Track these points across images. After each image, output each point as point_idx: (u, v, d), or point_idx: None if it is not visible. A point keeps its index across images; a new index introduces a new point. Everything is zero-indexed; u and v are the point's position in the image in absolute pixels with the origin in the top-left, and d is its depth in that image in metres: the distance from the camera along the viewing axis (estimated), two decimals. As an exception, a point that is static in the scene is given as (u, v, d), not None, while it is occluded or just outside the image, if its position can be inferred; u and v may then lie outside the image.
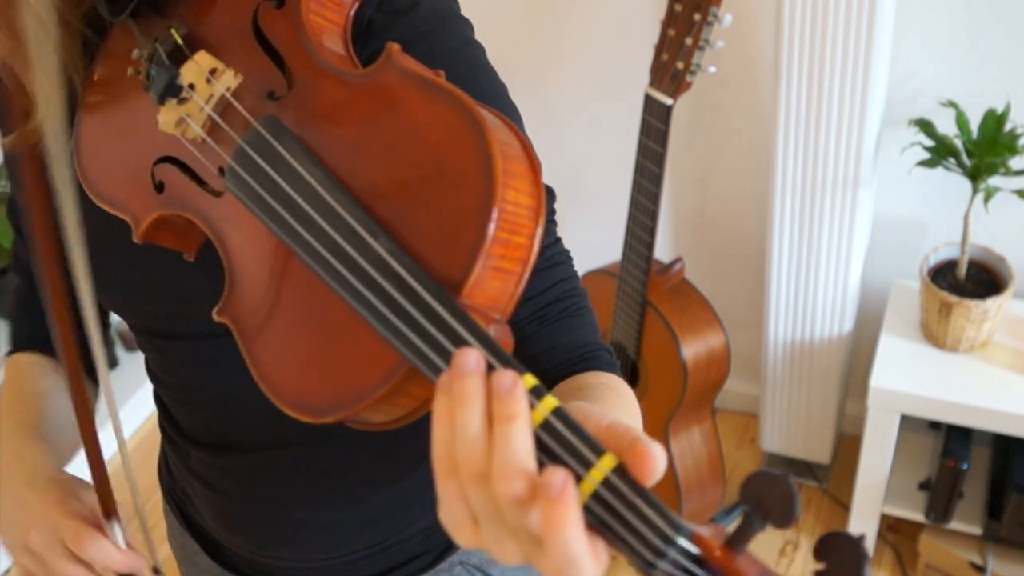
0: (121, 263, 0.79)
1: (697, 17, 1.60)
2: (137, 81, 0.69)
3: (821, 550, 0.43)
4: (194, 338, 0.80)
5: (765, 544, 2.17)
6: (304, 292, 0.57)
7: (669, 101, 1.68)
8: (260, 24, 0.65)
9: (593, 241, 2.26)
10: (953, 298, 1.78)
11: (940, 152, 1.73)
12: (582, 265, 2.02)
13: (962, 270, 1.86)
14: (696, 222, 2.28)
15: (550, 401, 0.47)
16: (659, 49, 1.68)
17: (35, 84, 0.75)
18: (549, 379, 0.71)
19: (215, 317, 0.61)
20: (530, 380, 0.47)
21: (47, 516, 0.79)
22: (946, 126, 1.77)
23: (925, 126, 1.75)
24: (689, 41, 1.62)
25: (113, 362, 2.69)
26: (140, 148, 0.68)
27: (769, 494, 0.43)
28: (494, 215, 0.50)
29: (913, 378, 1.85)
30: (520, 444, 0.45)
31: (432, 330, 0.49)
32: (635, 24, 2.02)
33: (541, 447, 0.46)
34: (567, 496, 0.43)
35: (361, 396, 0.52)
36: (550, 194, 0.74)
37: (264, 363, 0.58)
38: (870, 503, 2.01)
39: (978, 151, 1.69)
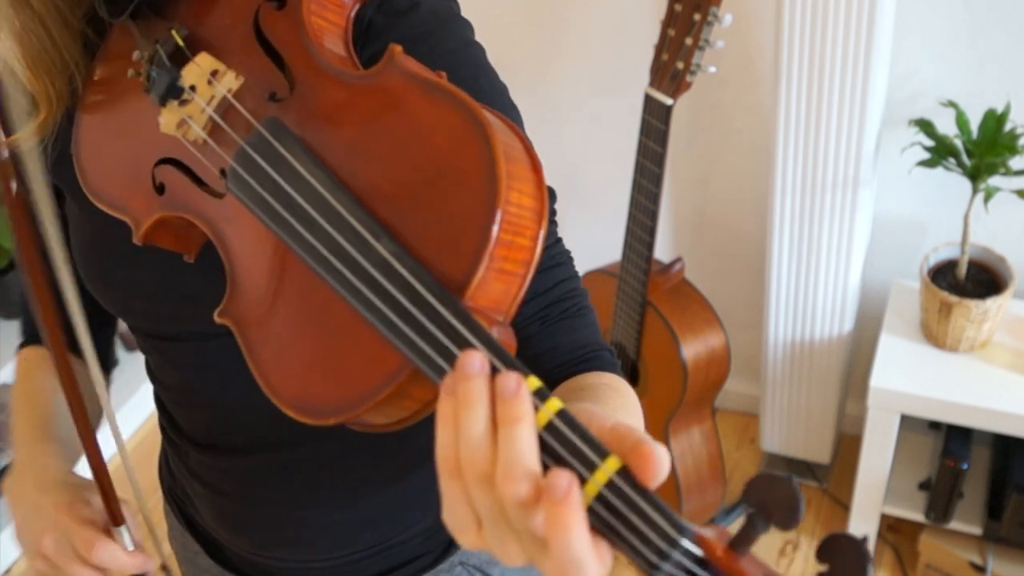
0: (121, 264, 0.79)
1: (697, 17, 1.60)
2: (137, 82, 0.69)
3: (823, 552, 0.43)
4: (194, 339, 0.80)
5: (765, 544, 2.17)
6: (306, 294, 0.57)
7: (669, 101, 1.68)
8: (261, 25, 0.65)
9: (593, 241, 2.26)
10: (953, 298, 1.78)
11: (940, 152, 1.73)
12: (582, 265, 2.02)
13: (962, 270, 1.86)
14: (696, 222, 2.28)
15: (554, 403, 0.46)
16: (659, 49, 1.68)
17: (36, 84, 0.75)
18: (551, 379, 0.71)
19: (216, 319, 0.61)
20: (534, 382, 0.47)
21: (58, 522, 0.80)
22: (946, 126, 1.77)
23: (925, 126, 1.75)
24: (689, 41, 1.62)
25: (113, 362, 2.68)
26: (140, 149, 0.68)
27: (773, 496, 0.43)
28: (498, 217, 0.50)
29: (913, 378, 1.85)
30: (524, 446, 0.45)
31: (435, 332, 0.49)
32: (635, 23, 2.02)
33: (545, 449, 0.46)
34: (571, 498, 0.43)
35: (363, 398, 0.52)
36: (551, 194, 0.74)
37: (266, 365, 0.58)
38: (870, 503, 2.01)
39: (978, 151, 1.69)
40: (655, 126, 1.71)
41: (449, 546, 0.91)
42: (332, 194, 0.55)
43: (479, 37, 0.75)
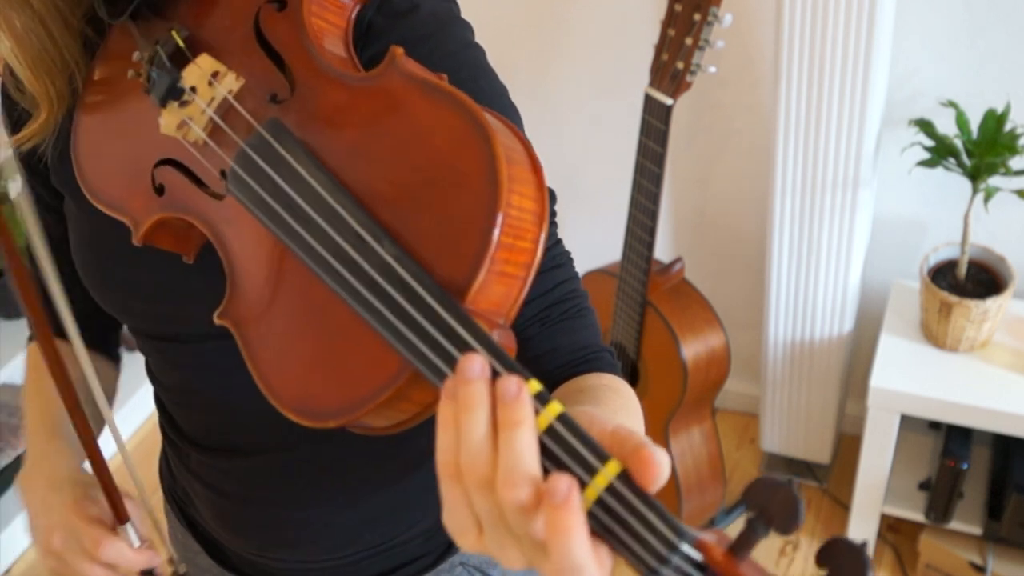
0: (120, 265, 0.79)
1: (697, 17, 1.60)
2: (137, 83, 0.69)
3: (823, 556, 0.43)
4: (193, 340, 0.80)
5: (765, 544, 2.17)
6: (306, 296, 0.57)
7: (669, 101, 1.68)
8: (262, 27, 0.65)
9: (593, 241, 2.26)
10: (953, 298, 1.78)
11: (940, 152, 1.73)
12: (582, 265, 2.02)
13: (962, 270, 1.86)
14: (696, 222, 2.28)
15: (555, 407, 0.46)
16: (659, 49, 1.68)
17: (36, 84, 0.75)
18: (551, 380, 0.71)
19: (216, 320, 0.61)
20: (535, 386, 0.47)
21: (67, 520, 0.81)
22: (946, 126, 1.77)
23: (925, 126, 1.75)
24: (689, 41, 1.62)
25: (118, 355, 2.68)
26: (140, 150, 0.68)
27: (773, 500, 0.43)
28: (499, 220, 0.50)
29: (913, 378, 1.85)
30: (525, 450, 0.45)
31: (436, 335, 0.49)
32: (635, 24, 2.02)
33: (545, 453, 0.46)
34: (571, 503, 0.43)
35: (364, 401, 0.52)
36: (551, 196, 0.74)
37: (265, 367, 0.58)
38: (870, 503, 2.01)
39: (978, 151, 1.69)
40: (655, 126, 1.71)
41: (449, 546, 0.91)
42: (333, 196, 0.55)
43: (479, 38, 0.75)
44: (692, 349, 1.89)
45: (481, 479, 0.46)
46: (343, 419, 0.53)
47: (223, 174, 0.62)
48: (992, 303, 1.78)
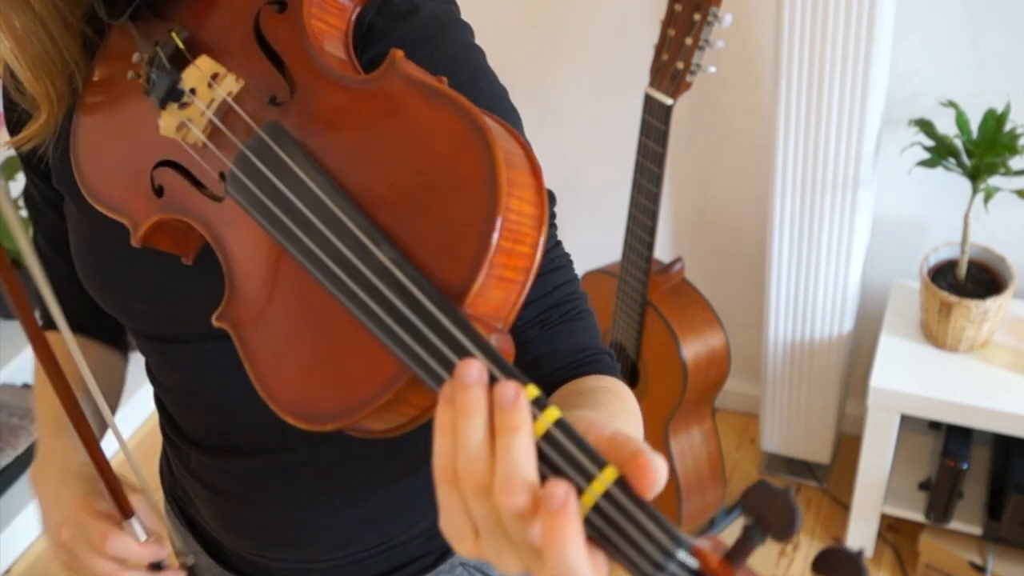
0: (119, 266, 0.79)
1: (697, 17, 1.60)
2: (137, 84, 0.69)
3: (819, 565, 0.43)
4: (193, 341, 0.80)
5: (765, 544, 2.17)
6: (304, 299, 0.56)
7: (669, 101, 1.68)
8: (262, 28, 0.65)
9: (593, 241, 2.26)
10: (953, 298, 1.78)
11: (940, 152, 1.73)
12: (582, 265, 2.02)
13: (962, 270, 1.86)
14: (696, 222, 2.28)
15: (552, 412, 0.46)
16: (659, 49, 1.68)
17: (37, 85, 0.75)
18: (550, 383, 0.71)
19: (214, 322, 0.61)
20: (532, 391, 0.47)
21: (75, 515, 0.81)
22: (946, 126, 1.77)
23: (925, 126, 1.75)
24: (689, 41, 1.62)
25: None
26: (139, 151, 0.68)
27: (770, 508, 0.43)
28: (498, 224, 0.49)
29: (913, 378, 1.85)
30: (522, 456, 0.45)
31: (434, 339, 0.49)
32: (635, 24, 2.02)
33: (543, 458, 0.46)
34: (568, 510, 0.43)
35: (361, 404, 0.52)
36: (550, 198, 0.74)
37: (263, 370, 0.58)
38: (870, 503, 2.01)
39: (978, 151, 1.69)
40: (655, 126, 1.71)
41: (449, 547, 0.91)
42: (332, 199, 0.54)
43: (479, 39, 0.75)
44: (692, 349, 1.89)
45: (478, 485, 0.46)
46: (341, 423, 0.53)
47: (222, 176, 0.62)
48: (992, 303, 1.78)
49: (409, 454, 0.85)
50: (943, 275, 1.88)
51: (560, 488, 0.43)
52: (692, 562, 0.44)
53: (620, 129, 2.12)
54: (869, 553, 2.10)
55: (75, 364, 0.94)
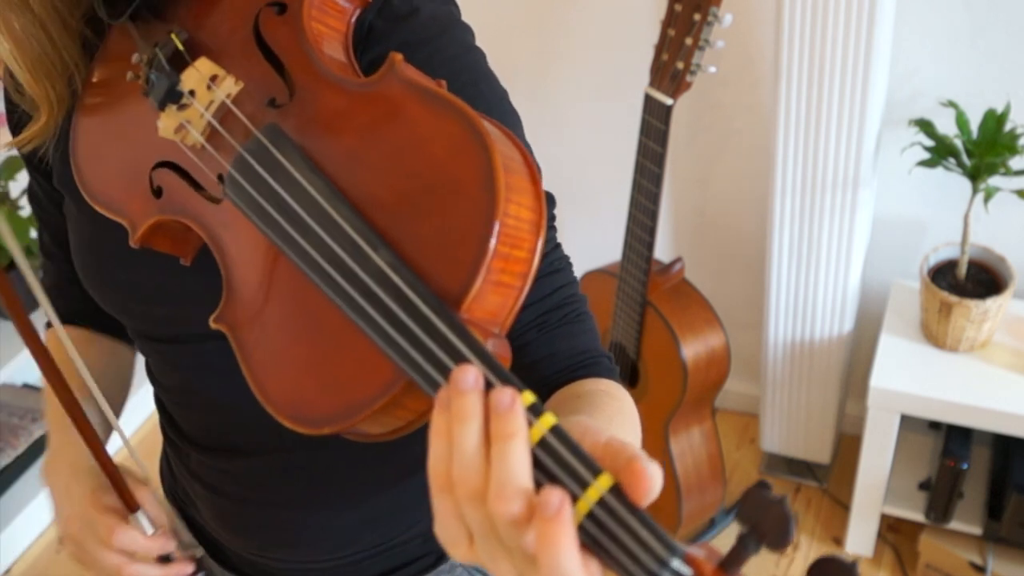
0: (118, 266, 0.79)
1: (697, 17, 1.60)
2: (136, 85, 0.69)
3: (815, 574, 0.43)
4: (192, 341, 0.80)
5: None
6: (302, 301, 0.56)
7: (669, 101, 1.67)
8: (262, 30, 0.65)
9: (593, 241, 2.26)
10: (953, 298, 1.78)
11: (940, 152, 1.73)
12: (582, 265, 2.03)
13: (962, 270, 1.86)
14: (696, 222, 2.28)
15: (548, 419, 0.46)
16: (659, 49, 1.68)
17: (36, 87, 0.75)
18: (548, 385, 0.71)
19: (212, 324, 0.61)
20: (528, 397, 0.47)
21: (84, 509, 0.82)
22: (946, 126, 1.77)
23: (925, 126, 1.75)
24: (689, 41, 1.62)
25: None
26: (138, 152, 0.68)
27: (765, 517, 0.43)
28: (495, 229, 0.49)
29: (913, 378, 1.85)
30: (517, 463, 0.45)
31: (431, 344, 0.49)
32: (635, 24, 2.02)
33: (538, 465, 0.46)
34: (563, 517, 0.43)
35: (358, 409, 0.52)
36: (550, 200, 0.74)
37: (260, 372, 0.58)
38: (870, 503, 2.01)
39: (978, 151, 1.69)
40: (655, 126, 1.71)
41: (449, 548, 0.91)
42: (329, 202, 0.54)
43: (479, 40, 0.75)
44: (692, 349, 1.89)
45: (473, 491, 0.46)
46: (337, 426, 0.53)
47: (220, 178, 0.62)
48: (992, 303, 1.78)
49: (409, 455, 0.85)
50: (943, 275, 1.88)
51: (555, 495, 0.43)
52: (686, 570, 0.44)
53: (620, 129, 2.12)
54: (869, 553, 2.10)
55: (77, 360, 0.95)
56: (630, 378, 2.02)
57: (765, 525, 0.43)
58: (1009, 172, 1.70)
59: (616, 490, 0.45)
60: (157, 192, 0.66)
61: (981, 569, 1.93)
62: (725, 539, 2.18)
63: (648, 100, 1.71)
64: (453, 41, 0.72)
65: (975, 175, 1.71)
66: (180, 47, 0.67)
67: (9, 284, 0.69)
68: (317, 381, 0.55)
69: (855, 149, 1.76)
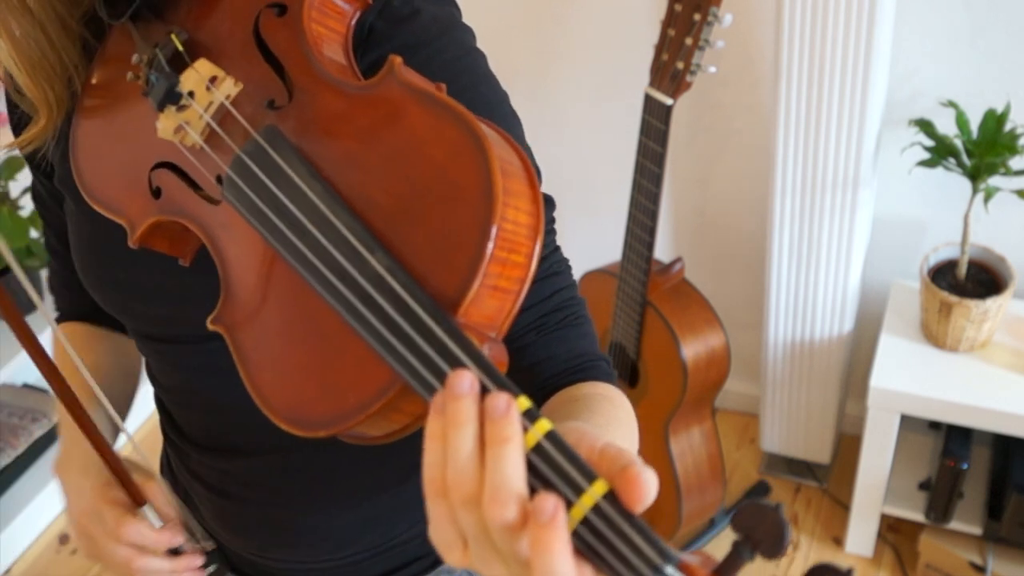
0: (117, 266, 0.79)
1: (697, 17, 1.60)
2: (136, 86, 0.69)
3: None
4: (191, 341, 0.80)
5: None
6: (299, 304, 0.56)
7: (669, 101, 1.67)
8: (262, 32, 0.65)
9: (593, 241, 2.26)
10: (953, 298, 1.78)
11: (940, 152, 1.73)
12: (582, 265, 2.03)
13: (962, 270, 1.86)
14: (696, 222, 2.28)
15: (543, 424, 0.46)
16: (659, 49, 1.68)
17: (35, 90, 0.75)
18: (546, 388, 0.71)
19: (209, 326, 0.61)
20: (524, 403, 0.47)
21: (94, 504, 0.83)
22: (946, 126, 1.77)
23: (925, 126, 1.74)
24: (689, 41, 1.62)
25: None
26: (138, 153, 0.68)
27: (760, 525, 0.43)
28: (493, 233, 0.49)
29: (913, 378, 1.85)
30: (512, 468, 0.45)
31: (427, 348, 0.48)
32: (635, 24, 2.02)
33: (532, 471, 0.46)
34: (557, 523, 0.43)
35: (354, 412, 0.52)
36: (549, 203, 0.74)
37: (257, 374, 0.58)
38: (870, 503, 2.01)
39: (978, 151, 1.69)
40: (655, 126, 1.71)
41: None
42: (327, 205, 0.54)
43: (478, 39, 0.75)
44: (692, 349, 1.89)
45: (467, 496, 0.46)
46: (333, 429, 0.53)
47: (219, 179, 0.62)
48: (992, 303, 1.78)
49: (409, 456, 0.84)
50: (943, 275, 1.88)
51: (549, 501, 0.43)
52: None
53: (620, 129, 2.12)
54: (869, 553, 2.10)
55: (82, 355, 0.95)
56: (630, 378, 2.02)
57: (760, 533, 0.43)
58: (1009, 172, 1.70)
59: (611, 496, 0.45)
60: (156, 192, 0.66)
61: (981, 569, 1.93)
62: (725, 539, 2.18)
63: (648, 100, 1.71)
64: (454, 43, 0.72)
65: (975, 175, 1.71)
66: (180, 48, 0.67)
67: (2, 287, 0.69)
68: (313, 384, 0.55)
69: (855, 149, 1.76)
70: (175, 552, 0.84)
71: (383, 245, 0.52)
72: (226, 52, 0.66)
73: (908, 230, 2.07)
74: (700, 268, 2.28)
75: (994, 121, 1.68)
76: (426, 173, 0.53)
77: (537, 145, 0.73)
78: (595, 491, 0.45)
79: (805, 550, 2.16)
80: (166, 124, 0.65)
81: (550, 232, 0.75)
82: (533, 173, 0.54)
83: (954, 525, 1.96)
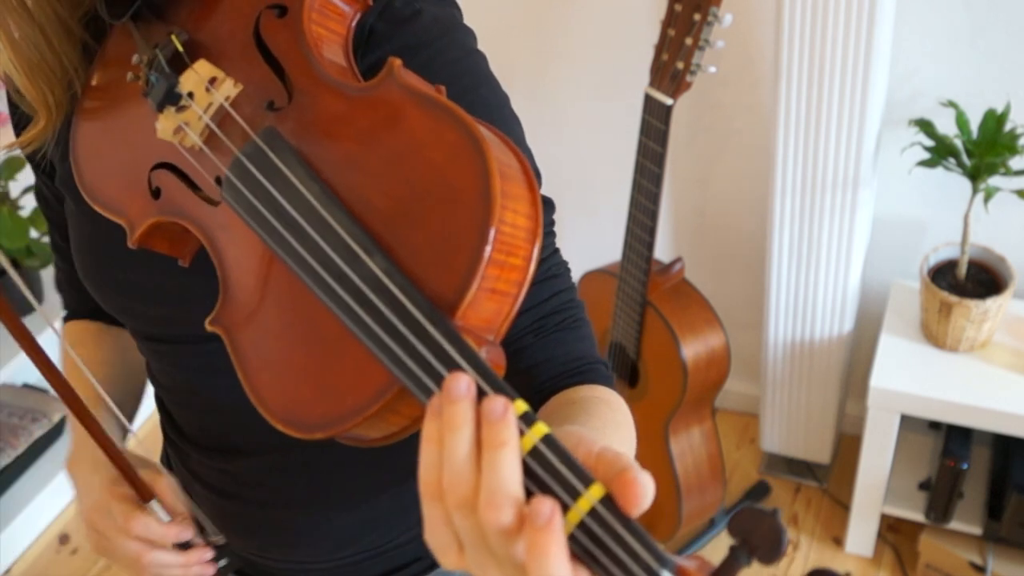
0: (117, 267, 0.79)
1: (697, 17, 1.60)
2: (136, 86, 0.69)
3: None
4: (191, 341, 0.80)
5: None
6: (297, 306, 0.56)
7: (669, 101, 1.67)
8: (262, 33, 0.65)
9: (593, 241, 2.26)
10: (953, 298, 1.78)
11: (940, 152, 1.73)
12: (582, 265, 2.03)
13: (962, 270, 1.85)
14: (696, 222, 2.28)
15: (540, 428, 0.46)
16: (659, 49, 1.68)
17: (34, 92, 0.75)
18: (544, 391, 0.71)
19: (207, 327, 0.61)
20: (521, 406, 0.47)
21: (103, 499, 0.83)
22: (946, 126, 1.77)
23: (925, 126, 1.74)
24: (689, 41, 1.62)
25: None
26: (137, 153, 0.68)
27: (757, 529, 0.43)
28: (491, 237, 0.49)
29: (913, 378, 1.85)
30: (508, 472, 0.45)
31: (424, 351, 0.48)
32: (635, 24, 2.02)
33: (529, 474, 0.46)
34: (553, 527, 0.43)
35: (351, 414, 0.52)
36: (549, 205, 0.74)
37: (254, 376, 0.58)
38: (870, 503, 2.01)
39: (978, 151, 1.69)
40: (655, 126, 1.71)
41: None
42: (325, 207, 0.54)
43: (479, 37, 0.75)
44: (692, 349, 1.89)
45: (463, 499, 0.46)
46: (330, 431, 0.53)
47: (218, 180, 0.62)
48: (992, 303, 1.78)
49: (408, 457, 0.84)
50: (943, 275, 1.88)
51: (545, 505, 0.43)
52: None
53: (620, 129, 2.12)
54: (869, 553, 2.10)
55: (88, 353, 0.95)
56: (630, 378, 2.02)
57: (757, 538, 0.43)
58: (1009, 172, 1.70)
59: (607, 500, 0.45)
60: (155, 193, 0.66)
61: (981, 569, 1.93)
62: (725, 540, 2.18)
63: (648, 100, 1.71)
64: (454, 44, 0.72)
65: (975, 175, 1.71)
66: (180, 48, 0.67)
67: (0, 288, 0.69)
68: (311, 385, 0.55)
69: (855, 149, 1.76)
70: (185, 547, 0.84)
71: (381, 247, 0.52)
72: (226, 53, 0.66)
73: (908, 230, 2.07)
74: (700, 268, 2.28)
75: (994, 121, 1.68)
76: (425, 176, 0.53)
77: (536, 145, 0.73)
78: (592, 495, 0.44)
79: (805, 550, 2.16)
80: (165, 125, 0.65)
81: (549, 235, 0.75)
82: (532, 176, 0.54)
83: (954, 525, 1.96)
